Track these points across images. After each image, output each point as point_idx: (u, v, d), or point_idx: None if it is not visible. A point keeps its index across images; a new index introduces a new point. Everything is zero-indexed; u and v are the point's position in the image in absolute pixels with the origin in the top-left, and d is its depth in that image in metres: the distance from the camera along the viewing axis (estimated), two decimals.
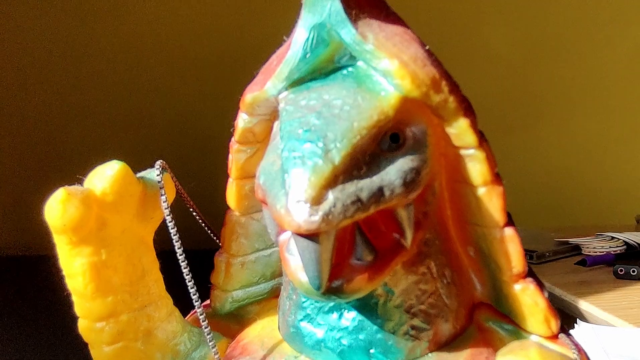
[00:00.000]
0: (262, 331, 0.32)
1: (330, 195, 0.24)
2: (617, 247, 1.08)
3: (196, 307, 0.30)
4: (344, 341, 0.29)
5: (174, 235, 0.29)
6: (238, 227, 0.32)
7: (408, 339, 0.29)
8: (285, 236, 0.27)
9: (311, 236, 0.24)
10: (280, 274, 0.33)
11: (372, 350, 0.29)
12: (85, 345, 0.30)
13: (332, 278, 0.26)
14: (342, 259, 0.26)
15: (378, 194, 0.25)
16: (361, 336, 0.29)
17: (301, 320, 0.30)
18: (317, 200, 0.24)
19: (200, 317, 0.30)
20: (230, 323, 0.33)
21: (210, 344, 0.30)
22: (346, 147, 0.25)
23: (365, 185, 0.25)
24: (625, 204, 1.31)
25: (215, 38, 2.39)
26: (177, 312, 0.32)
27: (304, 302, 0.30)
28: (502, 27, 2.18)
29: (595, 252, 1.07)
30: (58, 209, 0.27)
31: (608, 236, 1.11)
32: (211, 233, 0.33)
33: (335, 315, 0.29)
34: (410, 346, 0.29)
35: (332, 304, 0.29)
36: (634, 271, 1.00)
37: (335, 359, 0.29)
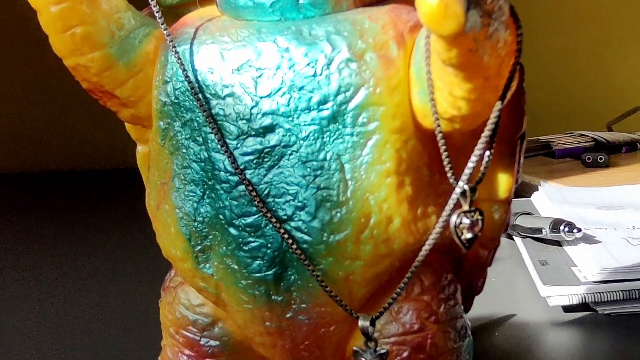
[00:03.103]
0: (202, 12, 0.34)
1: None
2: (586, 142, 1.11)
3: None
4: None
5: None
6: None
7: None
8: None
9: None
10: None
11: (300, 1, 0.31)
12: None
13: None
14: None
15: None
16: None
17: None
18: None
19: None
20: (174, 22, 0.35)
21: (157, 14, 0.32)
22: None
23: None
24: (597, 113, 1.33)
25: None
26: None
27: None
28: None
29: (565, 147, 1.09)
30: None
31: (577, 133, 1.13)
32: None
33: None
34: None
35: None
36: (601, 159, 1.03)
37: (267, 13, 0.32)
